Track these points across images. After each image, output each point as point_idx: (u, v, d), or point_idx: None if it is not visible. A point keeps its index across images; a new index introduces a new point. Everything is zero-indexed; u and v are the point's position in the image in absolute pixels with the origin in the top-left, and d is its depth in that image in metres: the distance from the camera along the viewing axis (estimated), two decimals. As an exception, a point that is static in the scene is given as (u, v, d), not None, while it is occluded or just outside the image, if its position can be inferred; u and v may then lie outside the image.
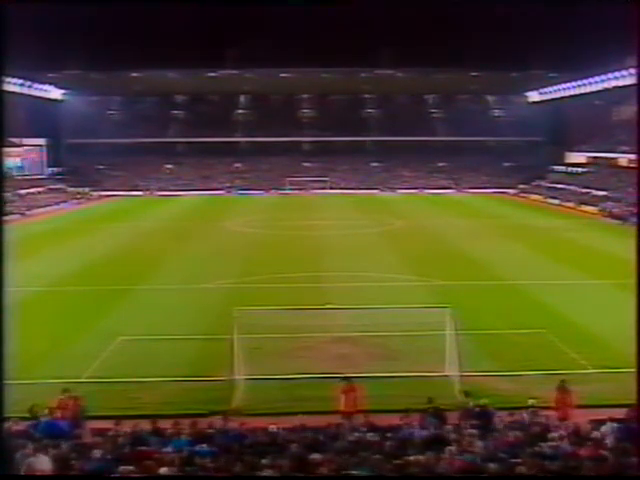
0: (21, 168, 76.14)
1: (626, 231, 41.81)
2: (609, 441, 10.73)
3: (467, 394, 14.60)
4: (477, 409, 13.37)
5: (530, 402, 13.74)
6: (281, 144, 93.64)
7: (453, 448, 10.03)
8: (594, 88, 78.77)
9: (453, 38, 65.59)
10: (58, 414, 13.32)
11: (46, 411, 12.98)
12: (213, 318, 23.02)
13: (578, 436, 11.30)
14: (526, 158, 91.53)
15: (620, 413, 12.22)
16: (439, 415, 12.97)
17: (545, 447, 10.22)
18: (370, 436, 11.24)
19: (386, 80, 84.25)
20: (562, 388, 14.57)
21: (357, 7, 56.08)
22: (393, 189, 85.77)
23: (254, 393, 16.71)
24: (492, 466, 9.09)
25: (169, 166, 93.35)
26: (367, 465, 9.24)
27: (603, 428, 11.64)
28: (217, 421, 12.68)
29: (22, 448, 9.77)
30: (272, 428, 12.01)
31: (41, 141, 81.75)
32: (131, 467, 9.24)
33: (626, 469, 8.78)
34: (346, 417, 14.06)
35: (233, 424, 12.52)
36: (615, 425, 11.56)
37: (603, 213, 57.12)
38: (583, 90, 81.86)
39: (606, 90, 75.08)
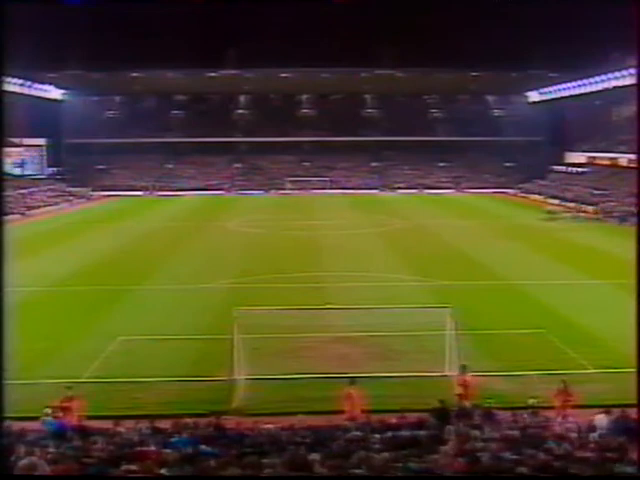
0: (21, 168, 76.14)
1: (626, 231, 41.77)
2: (604, 432, 10.78)
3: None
4: (477, 409, 13.36)
5: (530, 402, 13.73)
6: (281, 144, 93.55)
7: (453, 448, 10.01)
8: (594, 88, 78.66)
9: (453, 38, 65.57)
10: (60, 414, 13.32)
11: (44, 411, 12.98)
12: (213, 318, 23.02)
13: (578, 436, 11.29)
14: (526, 158, 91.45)
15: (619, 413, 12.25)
16: (439, 415, 12.96)
17: (545, 447, 10.20)
18: (370, 436, 11.22)
19: (386, 80, 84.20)
20: (562, 388, 14.58)
21: (357, 7, 56.04)
22: (393, 189, 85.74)
23: (254, 393, 16.72)
24: (492, 466, 9.08)
25: (169, 166, 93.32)
26: (366, 465, 9.22)
27: (597, 420, 11.73)
28: (217, 421, 12.68)
29: (21, 448, 9.76)
30: (272, 428, 12.00)
31: (41, 141, 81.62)
32: (131, 467, 9.23)
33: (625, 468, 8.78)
34: (350, 419, 14.05)
35: (233, 424, 12.52)
36: (608, 418, 11.64)
37: (603, 213, 57.04)
38: (583, 90, 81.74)
39: (606, 90, 75.02)
